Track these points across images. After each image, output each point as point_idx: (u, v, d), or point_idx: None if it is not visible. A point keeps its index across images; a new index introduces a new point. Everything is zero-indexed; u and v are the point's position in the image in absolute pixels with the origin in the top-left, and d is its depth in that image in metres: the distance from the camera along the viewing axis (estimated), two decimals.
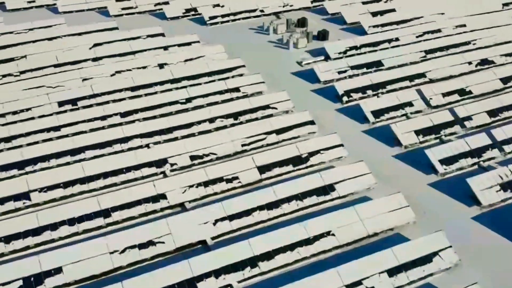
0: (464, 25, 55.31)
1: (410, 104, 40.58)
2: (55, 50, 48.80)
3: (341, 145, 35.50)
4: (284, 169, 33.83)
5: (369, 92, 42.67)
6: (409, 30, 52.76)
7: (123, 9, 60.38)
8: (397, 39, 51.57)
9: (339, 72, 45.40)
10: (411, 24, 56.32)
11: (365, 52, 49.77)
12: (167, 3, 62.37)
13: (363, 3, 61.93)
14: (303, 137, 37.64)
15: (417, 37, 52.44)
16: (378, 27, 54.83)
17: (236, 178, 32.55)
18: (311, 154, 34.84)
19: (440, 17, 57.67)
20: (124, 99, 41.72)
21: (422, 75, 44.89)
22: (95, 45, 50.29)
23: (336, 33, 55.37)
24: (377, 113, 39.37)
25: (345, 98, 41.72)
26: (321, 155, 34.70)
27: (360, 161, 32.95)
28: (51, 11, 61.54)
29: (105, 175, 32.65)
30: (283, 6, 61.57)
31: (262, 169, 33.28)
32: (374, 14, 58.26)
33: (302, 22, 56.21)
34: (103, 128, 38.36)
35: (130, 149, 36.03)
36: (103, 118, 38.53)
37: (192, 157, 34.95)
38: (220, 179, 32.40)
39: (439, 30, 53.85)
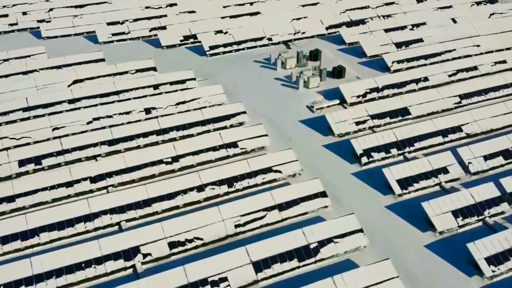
0: (505, 61, 47.46)
1: (444, 170, 33.64)
2: (28, 89, 41.92)
3: (361, 230, 28.28)
4: (286, 266, 26.43)
5: (394, 151, 35.56)
6: (440, 67, 45.03)
7: (114, 34, 53.56)
8: (426, 79, 43.94)
9: (357, 123, 38.05)
10: (442, 58, 48.52)
11: (388, 95, 42.46)
12: (163, 28, 55.56)
13: (386, 30, 54.55)
14: (312, 214, 30.41)
15: (449, 76, 44.79)
16: (403, 62, 47.17)
17: (225, 279, 25.34)
18: (322, 243, 27.31)
19: (476, 50, 50.24)
20: (98, 156, 34.81)
21: (457, 128, 37.53)
22: (75, 82, 43.78)
23: (354, 67, 47.76)
24: (405, 183, 31.93)
25: (364, 159, 34.40)
26: (336, 246, 27.36)
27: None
28: (35, 35, 54.92)
29: (58, 272, 25.54)
30: (294, 34, 54.11)
31: (257, 267, 26.02)
32: (399, 45, 51.25)
33: (315, 55, 48.75)
34: (67, 197, 31.41)
35: (96, 228, 29.02)
36: (69, 184, 31.83)
37: (171, 244, 28.09)
38: (204, 282, 25.26)
39: (475, 68, 46.00)
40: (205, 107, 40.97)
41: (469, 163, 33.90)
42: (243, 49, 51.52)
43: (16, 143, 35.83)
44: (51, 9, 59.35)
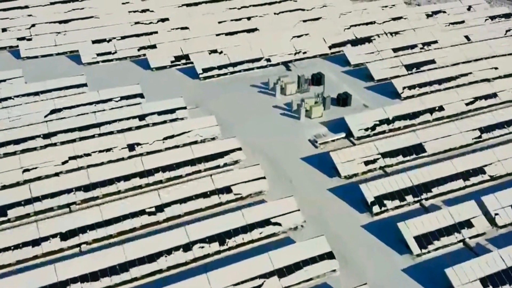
0: None
1: (468, 223, 29.10)
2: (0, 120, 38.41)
3: None
4: None
5: (409, 198, 31.26)
6: (456, 94, 40.82)
7: (99, 54, 49.15)
8: (441, 109, 39.70)
9: (366, 162, 33.77)
10: (457, 83, 44.17)
11: (399, 128, 38.43)
12: (153, 46, 51.12)
13: (394, 50, 49.95)
14: (318, 280, 26.04)
15: (467, 104, 40.53)
16: (415, 88, 42.99)
17: None
18: None
19: (494, 73, 45.37)
20: (73, 204, 30.21)
21: (480, 170, 33.27)
22: (53, 111, 39.59)
23: (360, 93, 43.29)
24: (424, 240, 27.55)
25: (376, 208, 30.13)
26: None
27: None
28: (14, 55, 50.31)
29: None
30: (295, 54, 49.80)
31: None
32: (409, 67, 46.75)
33: (317, 79, 44.52)
34: (34, 258, 26.99)
35: None
36: (35, 242, 27.45)
37: None
38: None
39: (494, 95, 41.72)
40: (196, 141, 36.90)
41: (496, 214, 29.80)
42: (239, 71, 47.16)
43: None
44: (33, 25, 55.26)
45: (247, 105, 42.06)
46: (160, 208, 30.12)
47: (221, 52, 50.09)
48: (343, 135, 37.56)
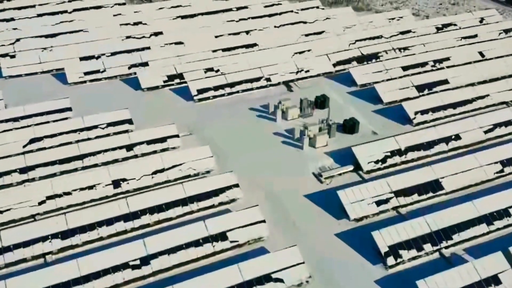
0: None
1: (495, 279, 25.67)
2: None
3: None
4: None
5: (428, 247, 27.67)
6: (474, 122, 37.26)
7: (86, 73, 45.33)
8: (457, 137, 36.27)
9: (378, 203, 30.26)
10: (474, 106, 40.61)
11: (412, 159, 34.87)
12: (145, 64, 47.33)
13: (404, 68, 46.40)
14: None
15: (485, 132, 37.15)
16: (428, 113, 39.46)
17: None
18: None
19: None
20: (48, 254, 26.77)
21: (505, 212, 29.61)
22: (32, 140, 36.00)
23: (368, 118, 39.69)
24: None
25: (390, 260, 26.56)
26: None
27: None
28: None
29: None
30: (297, 73, 46.15)
31: None
32: (420, 88, 43.20)
33: (321, 102, 40.98)
34: None
35: None
36: None
37: None
38: None
39: None
40: (189, 175, 33.71)
41: None
42: (237, 91, 43.89)
43: None
44: (17, 40, 51.57)
45: (245, 132, 38.41)
46: (146, 260, 26.68)
47: (217, 71, 46.52)
48: (351, 168, 34.05)
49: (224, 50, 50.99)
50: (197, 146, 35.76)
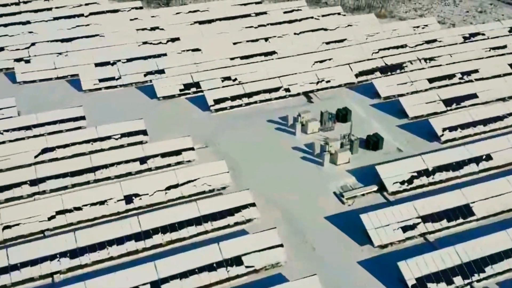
0: None
1: None
2: None
3: None
4: None
5: (458, 280, 25.56)
6: (507, 141, 34.96)
7: (101, 80, 44.49)
8: (488, 157, 34.33)
9: (404, 229, 28.43)
10: (506, 123, 38.44)
11: (441, 181, 32.66)
12: (161, 71, 46.18)
13: (430, 80, 44.33)
14: None
15: None
16: (456, 130, 37.54)
17: None
18: None
19: None
20: (56, 273, 25.57)
21: None
22: (44, 151, 35.13)
23: (393, 134, 37.78)
24: None
25: None
26: None
27: None
28: (10, 78, 45.89)
29: None
30: (317, 83, 44.52)
31: None
32: (448, 102, 41.20)
33: (343, 115, 39.25)
34: None
35: None
36: None
37: None
38: None
39: None
40: (203, 192, 32.35)
41: None
42: (255, 102, 42.44)
43: None
44: (33, 44, 50.80)
45: (262, 146, 36.87)
46: (156, 285, 25.37)
47: (235, 80, 45.27)
48: (375, 188, 32.17)
49: (242, 58, 49.53)
50: (213, 160, 34.49)
